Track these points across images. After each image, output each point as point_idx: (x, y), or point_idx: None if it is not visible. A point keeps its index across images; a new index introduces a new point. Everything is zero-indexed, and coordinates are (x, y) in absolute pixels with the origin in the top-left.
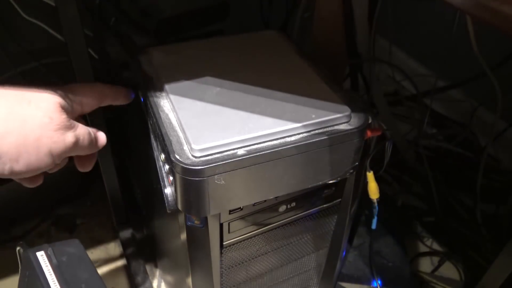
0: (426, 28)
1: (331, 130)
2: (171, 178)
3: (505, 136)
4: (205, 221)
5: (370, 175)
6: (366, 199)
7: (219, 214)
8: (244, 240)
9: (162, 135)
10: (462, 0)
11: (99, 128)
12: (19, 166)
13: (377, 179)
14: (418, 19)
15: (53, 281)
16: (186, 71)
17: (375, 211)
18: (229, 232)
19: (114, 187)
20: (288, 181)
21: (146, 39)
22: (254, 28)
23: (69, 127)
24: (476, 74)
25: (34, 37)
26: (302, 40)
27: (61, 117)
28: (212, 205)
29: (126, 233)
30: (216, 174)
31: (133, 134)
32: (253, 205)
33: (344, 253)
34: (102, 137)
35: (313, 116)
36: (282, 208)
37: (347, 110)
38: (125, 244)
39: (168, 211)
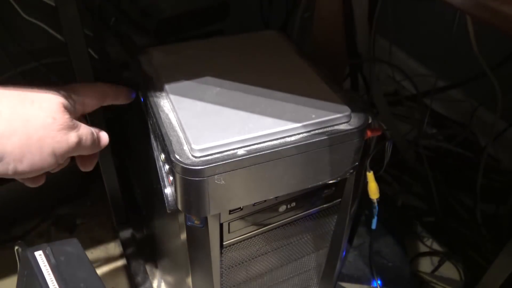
0: (426, 28)
1: (331, 130)
2: (171, 178)
3: (505, 136)
4: (205, 221)
5: (370, 175)
6: (366, 199)
7: (219, 214)
8: (244, 240)
9: (162, 135)
10: (462, 0)
11: (99, 128)
12: (23, 166)
13: (377, 179)
14: (418, 19)
15: (51, 280)
16: (186, 71)
17: (375, 211)
18: (229, 232)
19: (114, 187)
20: (288, 181)
21: (146, 39)
22: (254, 28)
23: (72, 127)
24: (476, 74)
25: (34, 37)
26: (302, 40)
27: (64, 117)
28: (212, 205)
29: (126, 233)
30: (216, 174)
31: (133, 134)
32: (253, 205)
33: (344, 253)
34: (104, 136)
35: (313, 116)
36: (282, 208)
37: (347, 110)
38: (125, 244)
39: (168, 211)
